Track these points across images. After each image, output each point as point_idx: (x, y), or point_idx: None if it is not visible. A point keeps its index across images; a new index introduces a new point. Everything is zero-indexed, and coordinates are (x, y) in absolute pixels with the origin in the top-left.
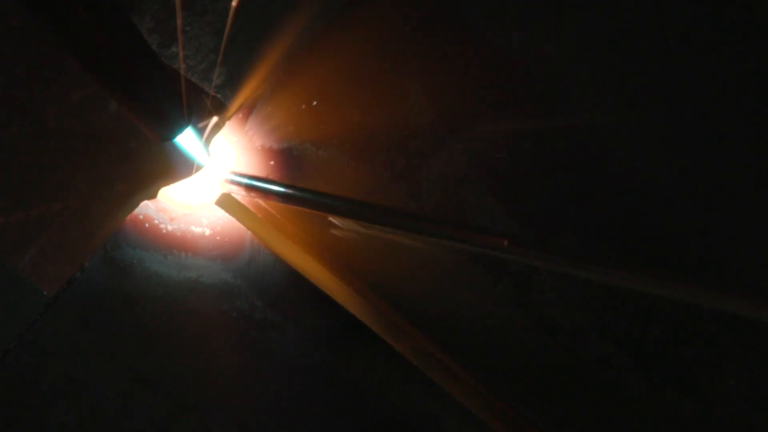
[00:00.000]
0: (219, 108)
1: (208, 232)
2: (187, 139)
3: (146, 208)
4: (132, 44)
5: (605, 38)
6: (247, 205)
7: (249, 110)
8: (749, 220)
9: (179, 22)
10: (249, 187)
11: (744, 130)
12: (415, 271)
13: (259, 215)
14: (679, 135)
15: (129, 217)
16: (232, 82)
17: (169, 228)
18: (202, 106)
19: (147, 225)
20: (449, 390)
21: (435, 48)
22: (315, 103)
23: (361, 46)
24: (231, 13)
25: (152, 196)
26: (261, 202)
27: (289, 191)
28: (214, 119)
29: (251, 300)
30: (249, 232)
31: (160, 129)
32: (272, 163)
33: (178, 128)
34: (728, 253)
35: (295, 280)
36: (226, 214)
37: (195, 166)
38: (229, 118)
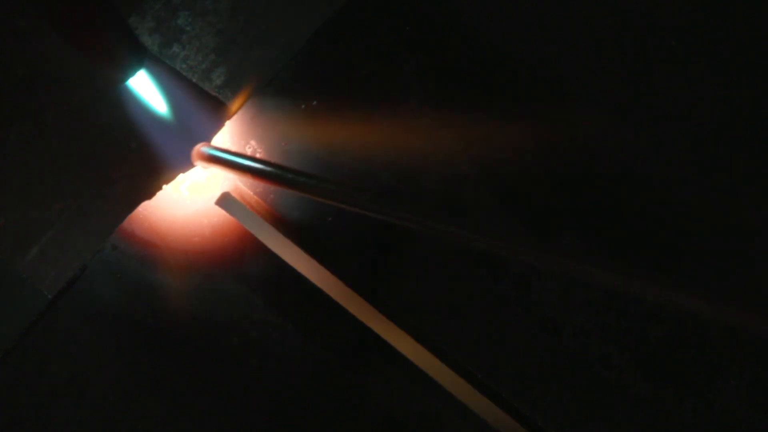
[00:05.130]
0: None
1: (208, 231)
2: (141, 82)
3: (146, 208)
4: None
5: (607, 39)
6: (247, 205)
7: (249, 110)
8: (753, 220)
9: None
10: (225, 162)
11: (746, 131)
12: (414, 271)
13: (260, 215)
14: (682, 135)
15: (129, 217)
16: (233, 83)
17: (169, 228)
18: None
19: (147, 225)
20: (450, 389)
21: (436, 48)
22: (315, 102)
23: (361, 45)
24: None
25: (152, 195)
26: (255, 197)
27: (269, 168)
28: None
29: (251, 300)
30: (249, 231)
31: (113, 71)
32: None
33: (131, 71)
34: (730, 255)
35: (295, 279)
36: (227, 214)
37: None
38: (230, 118)
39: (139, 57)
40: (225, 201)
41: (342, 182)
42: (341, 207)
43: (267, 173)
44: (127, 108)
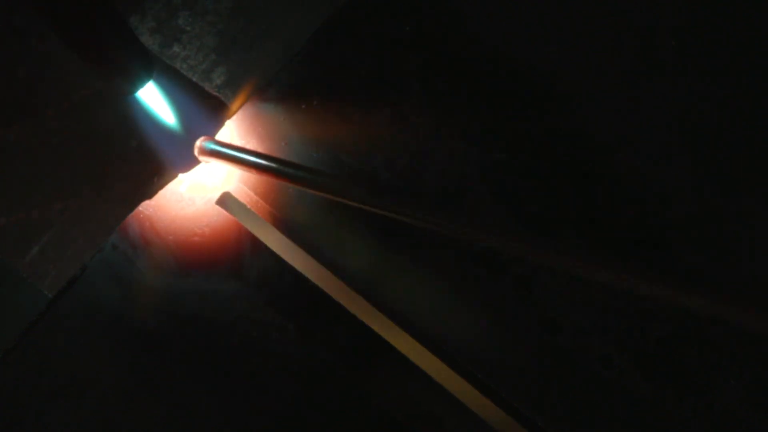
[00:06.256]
0: (220, 107)
1: (208, 231)
2: (149, 94)
3: (146, 208)
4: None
5: (607, 38)
6: (248, 204)
7: (249, 110)
8: (754, 220)
9: None
10: (226, 156)
11: (746, 131)
12: (414, 271)
13: (260, 215)
14: (681, 135)
15: (129, 217)
16: (233, 82)
17: (169, 228)
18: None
19: (147, 225)
20: (450, 390)
21: (436, 48)
22: (315, 102)
23: (361, 45)
24: None
25: (152, 195)
26: (254, 194)
27: (269, 163)
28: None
29: (252, 300)
30: (249, 231)
31: (122, 83)
32: None
33: (141, 82)
34: (730, 256)
35: (296, 279)
36: (227, 214)
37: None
38: (230, 117)
39: (148, 68)
40: (225, 201)
41: (338, 176)
42: (339, 201)
43: (267, 167)
44: (127, 107)
